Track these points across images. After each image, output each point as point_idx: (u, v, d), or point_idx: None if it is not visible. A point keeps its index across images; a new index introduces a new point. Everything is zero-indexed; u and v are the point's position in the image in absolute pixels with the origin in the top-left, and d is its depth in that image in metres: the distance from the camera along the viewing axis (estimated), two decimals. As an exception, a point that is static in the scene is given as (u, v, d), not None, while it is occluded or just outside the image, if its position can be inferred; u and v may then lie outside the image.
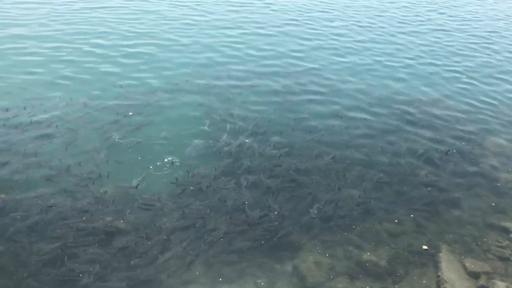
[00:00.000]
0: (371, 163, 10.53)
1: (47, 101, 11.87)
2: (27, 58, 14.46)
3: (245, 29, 18.85)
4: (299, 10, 22.35)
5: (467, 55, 17.99)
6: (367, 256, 8.05)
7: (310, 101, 13.19)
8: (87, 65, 14.35)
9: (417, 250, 8.29)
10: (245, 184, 9.35)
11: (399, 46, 18.45)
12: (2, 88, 12.44)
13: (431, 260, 8.12)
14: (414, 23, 21.89)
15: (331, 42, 18.27)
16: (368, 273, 7.77)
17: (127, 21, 18.75)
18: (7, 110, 11.25)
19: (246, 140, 10.85)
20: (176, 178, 9.34)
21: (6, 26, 17.01)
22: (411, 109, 13.17)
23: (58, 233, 7.83)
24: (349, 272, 7.76)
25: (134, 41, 16.63)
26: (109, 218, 8.24)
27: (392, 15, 23.06)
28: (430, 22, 22.25)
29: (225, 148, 10.47)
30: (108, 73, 13.91)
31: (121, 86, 13.03)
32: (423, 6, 25.41)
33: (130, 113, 11.58)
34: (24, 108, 11.34)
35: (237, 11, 21.23)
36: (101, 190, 8.90)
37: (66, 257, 7.40)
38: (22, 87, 12.58)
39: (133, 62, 14.89)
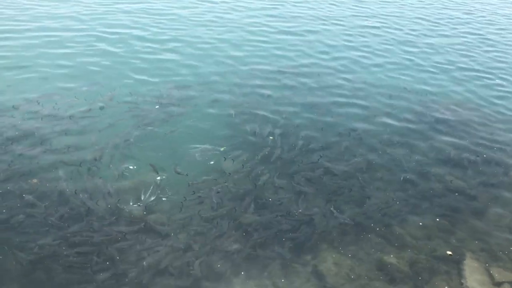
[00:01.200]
0: (397, 166, 10.37)
1: (86, 93, 12.19)
2: (64, 50, 14.81)
3: (274, 28, 18.78)
4: (330, 10, 22.12)
5: (505, 62, 17.49)
6: (389, 258, 7.92)
7: (338, 103, 12.96)
8: (123, 59, 14.66)
9: (441, 256, 8.12)
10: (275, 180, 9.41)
11: (432, 48, 18.04)
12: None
13: (455, 268, 7.93)
14: (449, 25, 21.41)
15: (361, 42, 18.09)
16: (389, 276, 7.64)
17: (163, 18, 18.94)
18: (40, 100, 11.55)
19: (271, 137, 10.88)
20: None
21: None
22: (441, 114, 12.88)
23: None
24: (369, 275, 7.65)
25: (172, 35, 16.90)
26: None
27: (427, 16, 22.57)
28: (467, 25, 21.70)
29: (254, 145, 10.50)
30: (142, 69, 14.13)
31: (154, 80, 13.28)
32: (461, 10, 24.76)
33: (157, 106, 11.71)
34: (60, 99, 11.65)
35: (266, 10, 21.17)
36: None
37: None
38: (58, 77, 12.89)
39: (168, 57, 15.08)
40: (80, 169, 9.14)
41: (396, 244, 8.27)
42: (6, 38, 15.32)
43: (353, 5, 23.27)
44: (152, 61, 14.65)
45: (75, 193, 8.39)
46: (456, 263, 8.01)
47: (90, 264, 7.15)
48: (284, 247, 7.94)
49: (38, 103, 11.29)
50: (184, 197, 8.74)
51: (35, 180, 8.54)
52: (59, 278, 6.92)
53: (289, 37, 17.97)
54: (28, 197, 7.97)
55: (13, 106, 11.02)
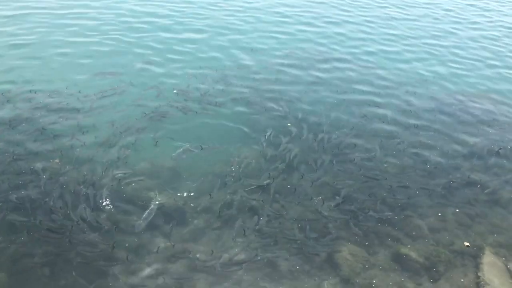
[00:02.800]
0: (418, 156, 10.27)
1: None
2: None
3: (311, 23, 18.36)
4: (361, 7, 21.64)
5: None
6: (405, 250, 7.87)
7: (369, 101, 12.52)
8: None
9: (458, 249, 8.03)
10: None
11: (465, 45, 17.44)
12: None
13: (472, 261, 7.85)
14: (486, 23, 20.69)
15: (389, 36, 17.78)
16: (405, 267, 7.61)
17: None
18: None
19: (293, 127, 10.86)
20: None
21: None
22: (466, 107, 12.65)
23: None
24: (385, 265, 7.63)
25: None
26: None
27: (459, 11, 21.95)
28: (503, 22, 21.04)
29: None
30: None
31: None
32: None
33: (175, 91, 11.80)
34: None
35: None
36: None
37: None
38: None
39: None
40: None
41: (413, 235, 8.21)
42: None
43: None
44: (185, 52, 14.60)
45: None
46: (474, 257, 7.92)
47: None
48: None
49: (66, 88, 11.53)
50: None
51: (57, 160, 8.76)
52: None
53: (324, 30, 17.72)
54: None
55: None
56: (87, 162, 9.00)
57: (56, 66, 12.74)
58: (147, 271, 7.08)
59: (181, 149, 9.36)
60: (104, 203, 8.06)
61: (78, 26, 15.51)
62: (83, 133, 9.82)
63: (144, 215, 7.81)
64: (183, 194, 8.56)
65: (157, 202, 8.06)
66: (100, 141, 9.66)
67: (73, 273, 6.80)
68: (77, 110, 10.65)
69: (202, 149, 9.57)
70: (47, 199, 7.97)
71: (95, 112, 10.72)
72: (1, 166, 8.60)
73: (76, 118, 10.34)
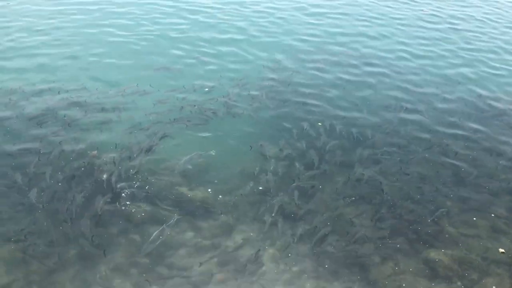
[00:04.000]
0: (452, 159, 10.03)
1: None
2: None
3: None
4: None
5: None
6: (436, 255, 7.69)
7: (401, 106, 12.09)
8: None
9: (493, 257, 7.77)
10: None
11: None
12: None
13: (507, 270, 7.57)
14: None
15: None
16: (436, 273, 7.43)
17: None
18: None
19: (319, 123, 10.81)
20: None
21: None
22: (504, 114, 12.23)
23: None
24: (415, 270, 7.47)
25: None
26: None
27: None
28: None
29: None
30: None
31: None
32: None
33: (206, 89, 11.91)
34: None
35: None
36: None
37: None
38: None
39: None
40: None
41: (445, 241, 8.01)
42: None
43: None
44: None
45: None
46: (509, 265, 7.64)
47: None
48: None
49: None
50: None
51: (94, 152, 9.01)
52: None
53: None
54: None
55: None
56: (124, 153, 9.23)
57: (97, 64, 13.02)
58: (176, 264, 7.18)
59: (189, 156, 9.24)
60: (140, 195, 8.28)
61: (115, 24, 15.82)
62: (121, 129, 10.04)
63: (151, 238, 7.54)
64: (214, 190, 8.64)
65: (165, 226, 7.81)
66: (137, 134, 9.91)
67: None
68: (114, 105, 10.88)
69: (214, 154, 9.51)
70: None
71: (133, 106, 10.95)
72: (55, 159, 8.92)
73: (114, 113, 10.59)
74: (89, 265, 6.99)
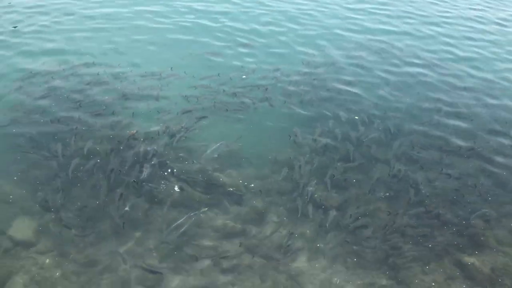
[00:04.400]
0: (495, 168, 9.63)
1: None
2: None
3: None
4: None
5: None
6: (470, 258, 7.49)
7: (441, 109, 11.62)
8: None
9: (530, 264, 7.53)
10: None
11: None
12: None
13: (544, 280, 7.32)
14: None
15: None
16: (468, 276, 7.24)
17: None
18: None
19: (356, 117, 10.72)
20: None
21: None
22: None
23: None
24: (446, 271, 7.31)
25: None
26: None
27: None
28: None
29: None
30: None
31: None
32: None
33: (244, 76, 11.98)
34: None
35: None
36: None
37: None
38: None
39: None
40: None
41: (480, 245, 7.80)
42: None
43: None
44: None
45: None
46: (546, 275, 7.37)
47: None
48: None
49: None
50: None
51: (133, 131, 9.24)
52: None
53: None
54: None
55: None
56: (160, 134, 9.38)
57: (138, 49, 13.22)
58: (205, 246, 7.30)
59: (215, 146, 9.23)
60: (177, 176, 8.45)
61: (156, 11, 15.96)
62: (158, 112, 10.19)
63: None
64: (247, 176, 8.72)
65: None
66: (174, 117, 10.04)
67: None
68: (151, 88, 11.05)
69: (240, 142, 9.47)
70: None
71: (170, 90, 11.09)
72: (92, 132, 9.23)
73: (152, 95, 10.76)
74: (120, 240, 7.20)
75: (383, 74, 13.04)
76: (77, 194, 7.83)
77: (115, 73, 11.55)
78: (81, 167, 8.28)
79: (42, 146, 8.73)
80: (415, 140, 10.17)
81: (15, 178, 7.92)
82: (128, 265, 6.81)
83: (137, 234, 7.34)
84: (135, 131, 9.28)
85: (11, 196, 7.60)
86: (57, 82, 10.76)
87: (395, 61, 13.97)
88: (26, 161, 8.29)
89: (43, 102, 9.97)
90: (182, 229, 7.42)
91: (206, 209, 7.88)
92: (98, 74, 11.35)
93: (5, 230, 7.05)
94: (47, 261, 6.72)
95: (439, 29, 16.73)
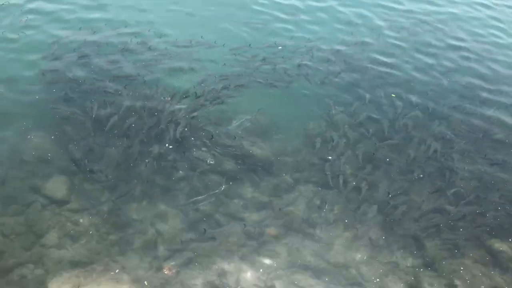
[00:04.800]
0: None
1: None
2: None
3: None
4: None
5: None
6: (500, 245, 7.34)
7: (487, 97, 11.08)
8: None
9: None
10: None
11: None
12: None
13: None
14: None
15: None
16: (497, 263, 7.13)
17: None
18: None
19: (393, 95, 10.42)
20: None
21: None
22: None
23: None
24: (475, 257, 7.19)
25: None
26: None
27: None
28: None
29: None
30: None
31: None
32: None
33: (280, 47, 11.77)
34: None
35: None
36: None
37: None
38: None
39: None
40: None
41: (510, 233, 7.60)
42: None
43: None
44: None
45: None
46: None
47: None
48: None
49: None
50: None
51: (168, 98, 9.34)
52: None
53: None
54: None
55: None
56: (194, 102, 9.42)
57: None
58: (232, 214, 7.42)
59: (240, 121, 9.11)
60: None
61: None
62: (191, 80, 10.15)
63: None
64: (278, 148, 8.70)
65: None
66: (209, 85, 10.00)
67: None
68: (189, 55, 10.99)
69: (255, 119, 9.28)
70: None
71: (208, 58, 10.99)
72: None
73: (188, 63, 10.69)
74: (149, 204, 7.37)
75: (424, 53, 12.58)
76: (111, 155, 7.99)
77: (148, 40, 11.47)
78: (115, 130, 8.42)
79: (77, 107, 8.83)
80: (455, 122, 9.85)
81: (52, 137, 8.15)
82: (156, 229, 7.01)
83: (166, 198, 7.49)
84: (169, 98, 9.35)
85: (49, 155, 7.85)
86: (91, 48, 10.85)
87: (439, 41, 13.38)
88: (62, 121, 8.47)
89: (78, 66, 10.09)
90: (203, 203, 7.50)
91: (224, 186, 7.80)
92: (131, 41, 11.31)
93: (42, 187, 7.31)
94: (81, 220, 6.97)
95: (488, 12, 15.84)
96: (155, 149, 8.12)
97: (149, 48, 11.05)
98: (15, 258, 6.29)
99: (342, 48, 12.24)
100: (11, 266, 6.18)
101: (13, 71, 9.55)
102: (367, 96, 10.23)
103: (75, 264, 6.31)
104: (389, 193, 7.96)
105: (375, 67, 11.54)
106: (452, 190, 8.18)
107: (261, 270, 6.59)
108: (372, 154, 8.70)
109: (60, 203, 7.16)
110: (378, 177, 8.33)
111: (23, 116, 8.47)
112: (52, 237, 6.66)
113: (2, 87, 9.08)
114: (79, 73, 9.78)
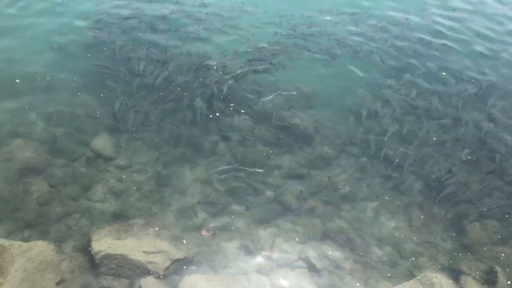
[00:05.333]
0: None
1: None
2: None
3: None
4: None
5: None
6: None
7: None
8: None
9: None
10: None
11: None
12: None
13: None
14: None
15: None
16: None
17: None
18: None
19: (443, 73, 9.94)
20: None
21: None
22: None
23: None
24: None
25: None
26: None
27: None
28: None
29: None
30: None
31: None
32: None
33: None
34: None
35: None
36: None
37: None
38: None
39: None
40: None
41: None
42: None
43: None
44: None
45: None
46: None
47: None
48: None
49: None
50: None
51: (214, 62, 9.33)
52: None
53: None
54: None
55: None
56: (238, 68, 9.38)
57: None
58: (269, 183, 7.46)
59: (271, 96, 8.89)
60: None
61: None
62: (235, 45, 10.11)
63: None
64: (319, 121, 8.60)
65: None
66: (254, 52, 9.97)
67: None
68: (233, 22, 10.95)
69: (295, 93, 9.09)
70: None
71: (252, 25, 10.90)
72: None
73: (233, 29, 10.69)
74: (191, 167, 7.51)
75: (481, 32, 11.98)
76: (156, 115, 8.14)
77: (194, 7, 11.45)
78: (161, 92, 8.55)
79: (125, 66, 9.03)
80: (509, 105, 9.38)
81: (101, 95, 8.38)
82: (195, 191, 7.16)
83: (205, 162, 7.61)
84: (215, 62, 9.34)
85: (98, 112, 8.09)
86: (140, 10, 10.96)
87: (497, 19, 12.68)
88: (110, 81, 8.68)
89: (126, 26, 10.25)
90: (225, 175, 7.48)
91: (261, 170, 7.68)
92: (174, 6, 11.34)
93: (89, 143, 7.57)
94: (124, 176, 7.20)
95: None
96: (199, 111, 8.17)
97: (192, 14, 11.07)
98: (63, 207, 6.61)
99: (392, 22, 11.81)
100: (58, 216, 6.51)
101: (64, 33, 9.80)
102: (418, 73, 9.91)
103: (117, 218, 6.57)
104: (431, 173, 7.76)
105: (428, 44, 11.10)
106: (499, 176, 7.88)
107: (297, 239, 6.64)
108: (425, 132, 8.47)
109: (106, 159, 7.42)
110: (424, 155, 8.10)
111: (74, 76, 8.74)
112: (97, 191, 6.94)
113: (52, 52, 9.33)
114: (125, 35, 9.94)
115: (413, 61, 10.38)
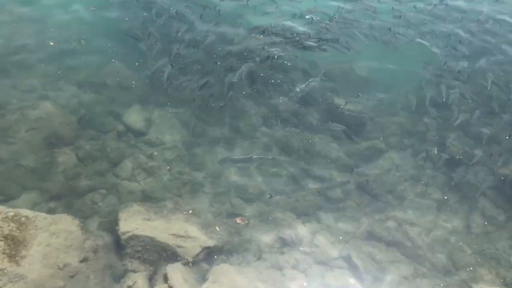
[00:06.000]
0: None
1: None
2: None
3: None
4: None
5: None
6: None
7: None
8: None
9: None
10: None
11: None
12: None
13: None
14: None
15: None
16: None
17: None
18: None
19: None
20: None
21: None
22: None
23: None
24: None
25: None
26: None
27: None
28: None
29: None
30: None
31: None
32: None
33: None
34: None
35: None
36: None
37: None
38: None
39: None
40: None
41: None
42: None
43: None
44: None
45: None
46: None
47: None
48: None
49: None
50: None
51: (260, 36, 8.78)
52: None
53: None
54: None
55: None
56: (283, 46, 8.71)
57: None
58: (311, 172, 6.91)
59: (305, 84, 8.13)
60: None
61: None
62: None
63: None
64: (372, 108, 8.00)
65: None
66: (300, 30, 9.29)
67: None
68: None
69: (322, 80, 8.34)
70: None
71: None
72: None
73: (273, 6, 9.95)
74: (227, 149, 7.04)
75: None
76: (192, 90, 7.61)
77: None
78: (200, 66, 8.02)
79: (163, 37, 8.44)
80: None
81: (136, 64, 7.91)
82: (230, 176, 6.66)
83: (245, 144, 7.11)
84: (260, 35, 8.79)
85: (133, 82, 7.62)
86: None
87: None
88: (145, 51, 8.11)
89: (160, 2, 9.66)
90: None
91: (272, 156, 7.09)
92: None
93: (121, 115, 7.13)
94: (155, 153, 6.73)
95: None
96: (239, 89, 7.63)
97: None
98: (89, 181, 6.20)
99: (460, 11, 10.73)
100: (84, 190, 6.10)
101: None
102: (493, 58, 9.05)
103: (146, 198, 6.12)
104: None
105: (499, 36, 10.03)
106: None
107: (339, 237, 6.04)
108: (475, 125, 7.68)
109: (137, 133, 6.97)
110: (485, 155, 7.31)
111: (109, 41, 8.30)
112: (126, 166, 6.50)
113: (88, 14, 8.94)
114: (164, 3, 9.37)
115: (483, 53, 9.31)
